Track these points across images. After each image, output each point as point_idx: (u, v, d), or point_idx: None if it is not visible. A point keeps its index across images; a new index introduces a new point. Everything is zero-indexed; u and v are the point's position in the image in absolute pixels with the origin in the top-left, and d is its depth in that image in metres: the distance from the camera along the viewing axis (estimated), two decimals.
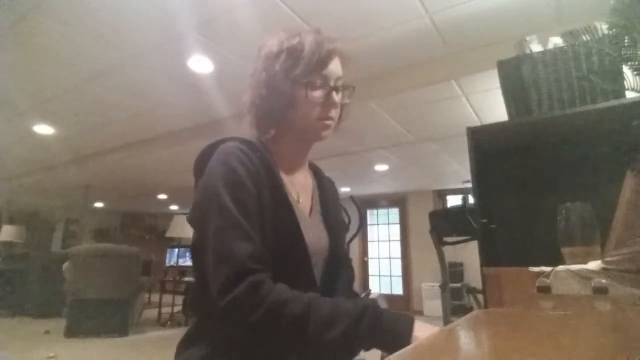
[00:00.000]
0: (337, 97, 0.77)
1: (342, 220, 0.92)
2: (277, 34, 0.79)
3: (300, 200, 0.80)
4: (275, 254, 0.67)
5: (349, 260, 0.89)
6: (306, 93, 0.74)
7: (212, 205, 0.65)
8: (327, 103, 0.75)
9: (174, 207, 9.09)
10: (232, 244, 0.62)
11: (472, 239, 2.35)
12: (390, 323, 0.59)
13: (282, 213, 0.70)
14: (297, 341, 0.59)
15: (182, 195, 7.30)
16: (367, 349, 0.61)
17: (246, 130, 0.82)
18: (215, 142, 0.75)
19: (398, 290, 6.85)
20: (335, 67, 0.77)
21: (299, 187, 0.82)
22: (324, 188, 0.89)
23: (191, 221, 0.71)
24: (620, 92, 1.16)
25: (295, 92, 0.74)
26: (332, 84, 0.76)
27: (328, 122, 0.77)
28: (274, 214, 0.69)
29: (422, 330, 0.59)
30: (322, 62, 0.74)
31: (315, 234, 0.77)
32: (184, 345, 0.72)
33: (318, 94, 0.75)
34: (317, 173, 0.92)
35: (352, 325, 0.58)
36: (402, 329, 0.59)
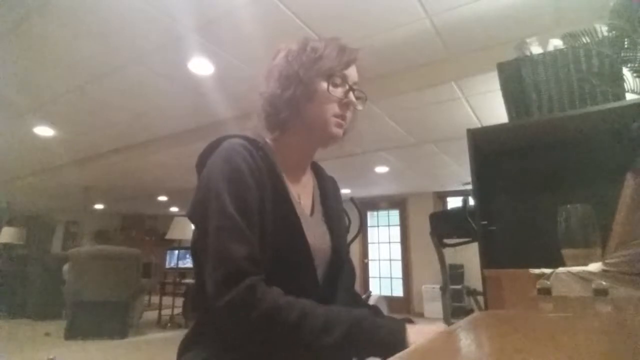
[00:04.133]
0: (353, 98, 0.79)
1: (343, 220, 0.91)
2: (296, 39, 0.81)
3: (301, 201, 0.80)
4: (277, 254, 0.67)
5: (350, 261, 0.88)
6: (327, 87, 0.75)
7: (212, 203, 0.65)
8: (344, 101, 0.77)
9: (174, 209, 9.09)
10: (229, 245, 0.62)
11: (472, 241, 2.35)
12: (384, 331, 0.59)
13: (283, 212, 0.70)
14: (290, 346, 0.59)
15: (182, 197, 7.29)
16: (362, 359, 0.61)
17: (249, 129, 0.81)
18: (219, 138, 0.75)
19: (398, 292, 6.84)
20: (353, 72, 0.80)
21: (300, 187, 0.82)
22: (325, 187, 0.89)
23: (191, 217, 0.71)
24: (619, 93, 1.16)
25: (317, 84, 0.75)
26: (350, 85, 0.79)
27: (342, 121, 0.78)
28: (275, 213, 0.69)
29: (416, 335, 0.59)
30: (345, 62, 0.78)
31: (317, 234, 0.77)
32: (185, 346, 0.72)
33: (337, 91, 0.77)
34: (317, 172, 0.92)
35: (346, 334, 0.58)
36: (396, 336, 0.59)
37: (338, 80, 0.77)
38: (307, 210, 0.81)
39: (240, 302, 0.58)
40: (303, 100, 0.75)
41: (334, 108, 0.76)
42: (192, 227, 0.74)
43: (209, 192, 0.67)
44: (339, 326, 0.58)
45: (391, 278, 7.04)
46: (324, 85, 0.75)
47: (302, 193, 0.82)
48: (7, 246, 6.63)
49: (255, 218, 0.66)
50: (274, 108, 0.77)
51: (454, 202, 6.58)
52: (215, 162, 0.69)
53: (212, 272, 0.62)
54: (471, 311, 4.33)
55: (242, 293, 0.59)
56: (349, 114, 0.79)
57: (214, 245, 0.63)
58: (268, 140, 0.82)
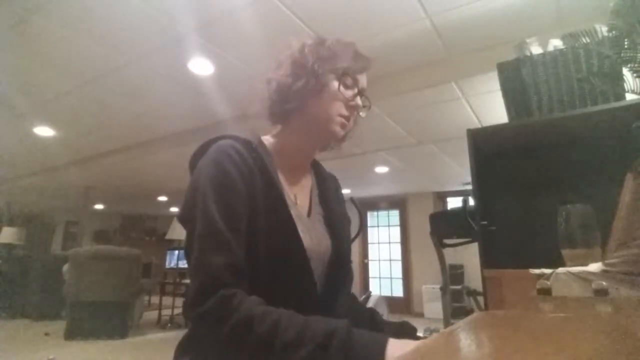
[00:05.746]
0: (360, 102, 0.79)
1: (345, 220, 0.88)
2: (312, 36, 0.82)
3: (298, 201, 0.78)
4: (271, 257, 0.66)
5: (349, 262, 0.85)
6: (339, 86, 0.76)
7: (198, 208, 0.65)
8: (351, 103, 0.77)
9: (174, 209, 9.09)
10: (209, 254, 0.61)
11: (472, 241, 2.35)
12: (360, 346, 0.54)
13: (277, 215, 0.68)
14: (263, 358, 0.56)
15: (182, 197, 7.23)
16: None
17: (248, 127, 0.79)
18: (211, 139, 0.74)
19: (398, 292, 6.84)
20: (364, 79, 0.81)
21: (297, 188, 0.80)
22: (325, 186, 0.87)
23: (181, 220, 0.70)
24: (619, 93, 1.16)
25: (328, 81, 0.75)
26: (359, 89, 0.79)
27: (346, 121, 0.77)
28: (268, 216, 0.67)
29: (397, 349, 0.54)
30: (359, 67, 0.79)
31: (314, 236, 0.75)
32: (182, 351, 0.71)
33: (347, 92, 0.77)
34: (317, 170, 0.90)
35: (318, 348, 0.54)
36: (373, 352, 0.54)
37: (349, 82, 0.77)
38: (304, 212, 0.79)
39: (213, 314, 0.57)
40: (312, 93, 0.75)
41: (341, 108, 0.76)
42: None
43: (196, 196, 0.66)
44: (312, 339, 0.54)
45: (391, 278, 7.04)
46: (335, 83, 0.76)
47: (300, 194, 0.80)
48: (7, 246, 6.63)
49: (242, 224, 0.65)
50: (281, 97, 0.76)
51: (454, 202, 6.58)
52: (205, 166, 0.68)
53: (191, 280, 0.62)
54: (471, 311, 4.33)
55: (215, 305, 0.57)
56: (353, 117, 0.79)
57: (195, 253, 0.62)
58: (268, 138, 0.81)
